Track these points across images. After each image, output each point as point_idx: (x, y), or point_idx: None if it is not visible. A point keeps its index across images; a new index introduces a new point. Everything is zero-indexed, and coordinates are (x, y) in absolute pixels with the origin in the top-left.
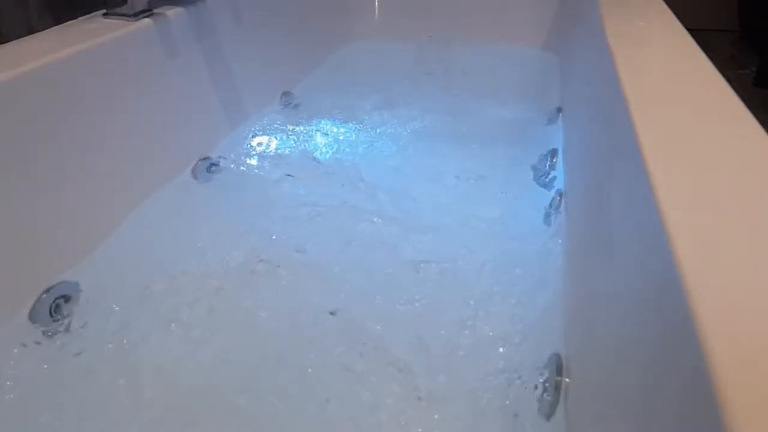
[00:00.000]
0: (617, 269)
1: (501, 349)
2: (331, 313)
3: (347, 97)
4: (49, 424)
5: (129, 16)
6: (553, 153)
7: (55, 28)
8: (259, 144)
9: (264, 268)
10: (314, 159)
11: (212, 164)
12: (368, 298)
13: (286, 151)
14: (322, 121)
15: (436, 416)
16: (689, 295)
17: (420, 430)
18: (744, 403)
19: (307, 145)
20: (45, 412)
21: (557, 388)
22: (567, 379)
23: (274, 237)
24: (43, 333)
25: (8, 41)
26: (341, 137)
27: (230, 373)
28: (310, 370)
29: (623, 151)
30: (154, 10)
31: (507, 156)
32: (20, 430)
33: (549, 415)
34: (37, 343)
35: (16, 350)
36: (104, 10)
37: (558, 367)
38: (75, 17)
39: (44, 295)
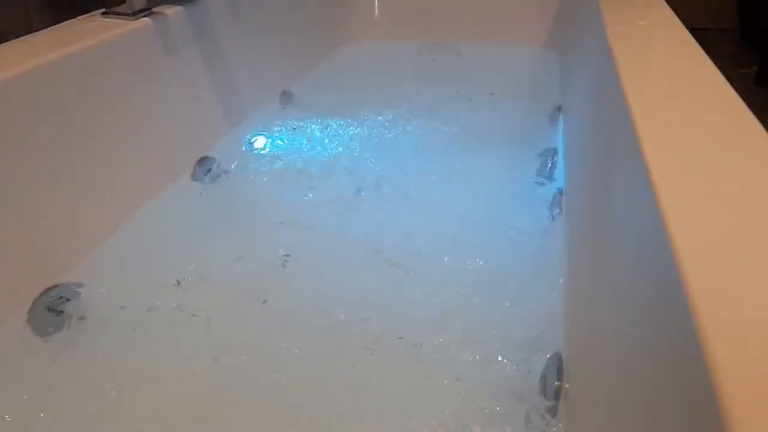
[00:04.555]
0: (618, 268)
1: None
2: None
3: (347, 97)
4: (46, 425)
5: (128, 15)
6: (554, 151)
7: (54, 27)
8: (259, 144)
9: (265, 269)
10: (313, 159)
11: (211, 164)
12: (372, 293)
13: (286, 151)
14: (322, 121)
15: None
16: (690, 294)
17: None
18: (745, 404)
19: (306, 145)
20: (42, 413)
21: (558, 390)
22: (567, 384)
23: (273, 237)
24: (42, 334)
25: (7, 41)
26: (341, 137)
27: (232, 375)
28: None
29: (624, 150)
30: (153, 9)
31: (507, 154)
32: (16, 430)
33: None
34: (35, 343)
35: (14, 350)
36: (103, 9)
37: (559, 367)
38: (74, 16)
39: (43, 296)
